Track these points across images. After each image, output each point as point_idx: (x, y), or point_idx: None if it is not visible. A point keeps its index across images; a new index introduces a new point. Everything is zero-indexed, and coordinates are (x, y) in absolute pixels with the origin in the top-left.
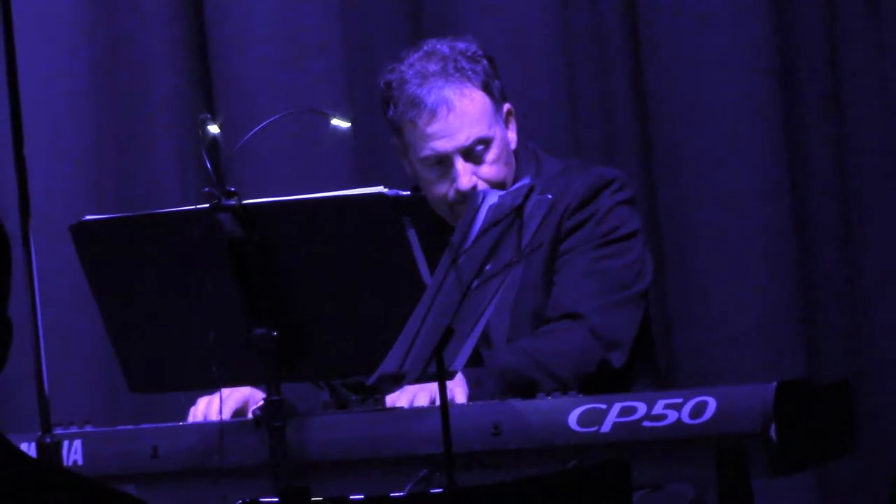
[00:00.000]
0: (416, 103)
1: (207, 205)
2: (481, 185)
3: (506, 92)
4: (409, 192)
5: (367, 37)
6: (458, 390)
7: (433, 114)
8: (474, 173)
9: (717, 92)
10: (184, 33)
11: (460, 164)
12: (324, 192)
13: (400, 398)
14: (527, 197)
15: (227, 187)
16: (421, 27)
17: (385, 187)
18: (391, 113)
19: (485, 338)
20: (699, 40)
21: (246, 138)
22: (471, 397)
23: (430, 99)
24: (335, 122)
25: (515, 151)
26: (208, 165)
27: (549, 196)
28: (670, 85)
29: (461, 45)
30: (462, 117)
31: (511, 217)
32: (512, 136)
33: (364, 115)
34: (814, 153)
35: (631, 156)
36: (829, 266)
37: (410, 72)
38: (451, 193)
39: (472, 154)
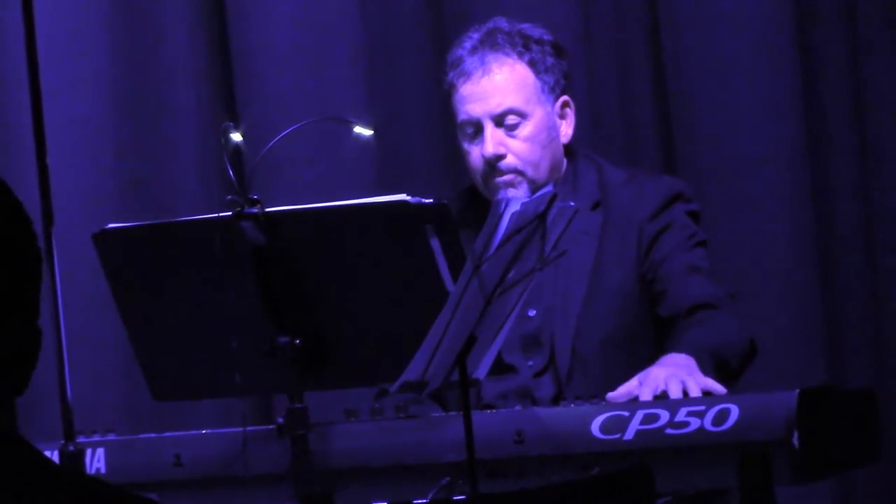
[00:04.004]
0: (456, 65)
1: (230, 212)
2: (510, 159)
3: (569, 88)
4: (431, 200)
5: (390, 45)
6: (691, 383)
7: (468, 76)
8: (503, 144)
9: (739, 94)
10: (206, 40)
11: (489, 130)
12: (346, 200)
13: (644, 389)
14: (550, 204)
15: (250, 195)
16: (443, 34)
17: (408, 195)
18: (446, 80)
19: (561, 307)
20: (722, 43)
21: (269, 146)
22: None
23: (469, 61)
24: (358, 129)
25: (570, 147)
26: (231, 173)
27: (573, 204)
28: (693, 87)
29: (524, 25)
30: (496, 83)
31: (534, 224)
32: (566, 129)
33: (386, 122)
34: (837, 156)
35: (653, 159)
36: (853, 273)
37: (467, 41)
38: (482, 165)
39: (504, 124)
